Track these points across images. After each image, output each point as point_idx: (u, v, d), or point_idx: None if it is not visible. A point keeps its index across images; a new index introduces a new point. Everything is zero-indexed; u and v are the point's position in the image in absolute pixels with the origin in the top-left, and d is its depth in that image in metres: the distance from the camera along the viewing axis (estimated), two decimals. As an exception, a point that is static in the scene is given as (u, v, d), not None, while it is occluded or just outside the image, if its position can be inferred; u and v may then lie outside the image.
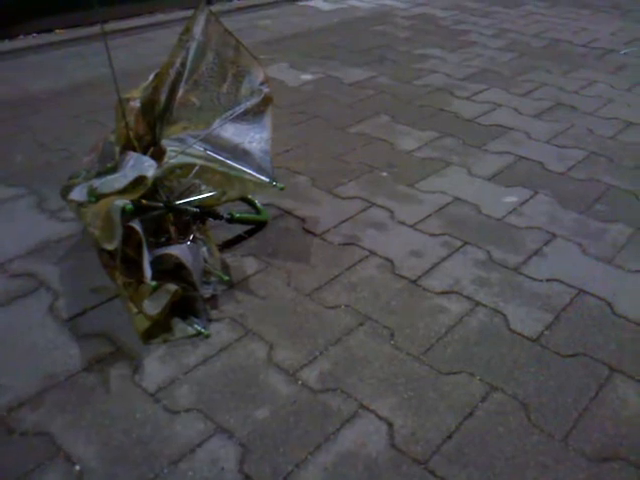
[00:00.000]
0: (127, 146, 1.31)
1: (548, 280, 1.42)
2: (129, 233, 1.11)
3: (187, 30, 1.32)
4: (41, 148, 2.00)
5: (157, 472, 0.95)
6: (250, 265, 1.42)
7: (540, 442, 1.02)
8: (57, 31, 3.18)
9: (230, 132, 1.30)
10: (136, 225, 1.10)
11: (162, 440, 1.00)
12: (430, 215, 1.66)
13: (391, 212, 1.67)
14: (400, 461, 0.98)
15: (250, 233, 1.53)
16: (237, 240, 1.50)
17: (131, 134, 1.31)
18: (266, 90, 1.31)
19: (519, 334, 1.26)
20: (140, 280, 1.11)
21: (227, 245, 1.48)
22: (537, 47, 3.23)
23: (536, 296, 1.37)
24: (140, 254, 1.09)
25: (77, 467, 0.95)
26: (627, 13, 4.06)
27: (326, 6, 3.92)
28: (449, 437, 1.02)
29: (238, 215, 1.47)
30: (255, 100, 1.31)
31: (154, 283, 1.09)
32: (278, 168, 1.85)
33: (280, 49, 3.03)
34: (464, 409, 1.08)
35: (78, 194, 1.26)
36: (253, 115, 1.32)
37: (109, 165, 1.27)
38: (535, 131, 2.21)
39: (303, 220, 1.61)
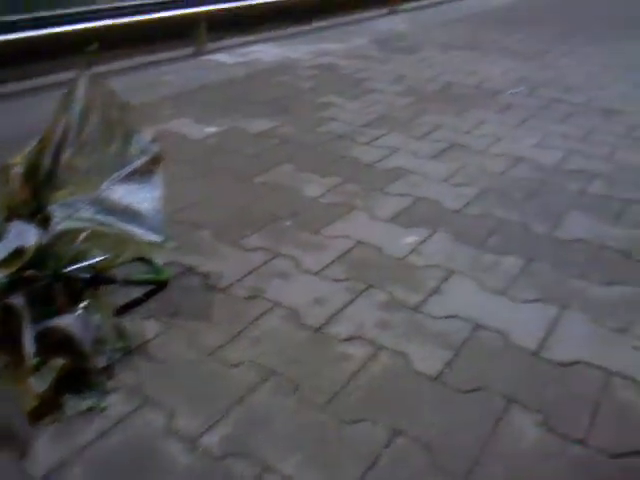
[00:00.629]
0: (12, 214, 1.27)
1: (447, 317, 1.46)
2: (8, 309, 1.05)
3: (70, 93, 1.30)
4: None
5: None
6: (150, 328, 1.39)
7: (443, 483, 1.04)
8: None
9: (120, 193, 1.29)
10: (15, 300, 1.05)
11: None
12: (334, 261, 1.69)
13: (296, 261, 1.68)
14: (305, 520, 0.96)
15: (150, 294, 1.50)
16: (135, 303, 1.46)
17: (15, 201, 1.26)
18: (155, 149, 1.30)
19: (421, 374, 1.28)
20: (22, 358, 1.05)
21: (126, 309, 1.44)
22: (432, 91, 3.40)
23: (436, 334, 1.40)
24: (18, 331, 1.04)
25: None
26: (516, 53, 4.36)
27: (230, 59, 3.99)
28: (353, 489, 1.01)
29: (134, 277, 1.43)
30: (144, 159, 1.30)
31: (35, 360, 1.04)
32: (181, 223, 1.84)
33: (183, 103, 3.04)
34: (368, 458, 1.08)
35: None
36: (142, 175, 1.32)
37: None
38: (432, 172, 2.31)
39: (206, 276, 1.59)
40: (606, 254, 1.78)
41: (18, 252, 1.11)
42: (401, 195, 2.11)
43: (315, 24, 5.21)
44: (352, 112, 2.99)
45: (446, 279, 1.62)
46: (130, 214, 1.29)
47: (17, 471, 1.03)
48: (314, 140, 2.60)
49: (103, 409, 1.15)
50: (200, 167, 2.29)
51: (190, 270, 1.62)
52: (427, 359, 1.32)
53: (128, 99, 1.71)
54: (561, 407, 1.21)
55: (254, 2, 4.56)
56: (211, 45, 4.26)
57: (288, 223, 1.90)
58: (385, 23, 5.51)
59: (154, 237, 1.29)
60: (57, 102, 1.36)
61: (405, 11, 6.11)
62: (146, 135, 1.35)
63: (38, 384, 1.08)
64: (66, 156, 1.29)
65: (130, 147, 1.32)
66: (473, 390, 1.24)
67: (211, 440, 1.10)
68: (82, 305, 1.25)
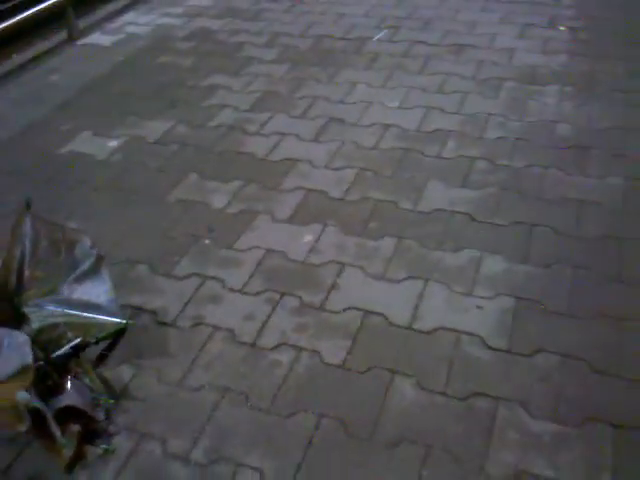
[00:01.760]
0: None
1: (344, 310, 1.96)
2: (36, 411, 1.45)
3: (18, 227, 1.62)
4: None
5: None
6: (125, 373, 1.81)
7: (358, 446, 1.58)
8: None
9: (78, 292, 1.66)
10: (40, 406, 1.45)
11: None
12: (252, 275, 2.12)
13: (222, 281, 2.11)
14: (272, 495, 1.49)
15: (115, 343, 1.89)
16: (103, 357, 1.85)
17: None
18: (95, 252, 1.67)
19: (330, 365, 1.79)
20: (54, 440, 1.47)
21: (100, 360, 1.84)
22: (304, 50, 3.69)
23: (338, 327, 1.90)
24: (45, 423, 1.45)
25: None
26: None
27: (105, 40, 4.06)
28: (299, 468, 1.54)
29: (101, 336, 1.82)
30: (89, 262, 1.67)
31: (64, 442, 1.46)
32: (119, 263, 2.19)
33: (76, 112, 3.21)
34: (305, 440, 1.60)
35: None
36: (92, 274, 1.68)
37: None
38: (316, 157, 2.71)
39: (155, 313, 2.00)
40: (457, 219, 2.30)
41: (25, 370, 1.48)
42: (293, 190, 2.52)
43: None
44: (237, 93, 3.28)
45: (339, 274, 2.10)
46: (92, 307, 1.67)
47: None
48: (208, 138, 2.91)
49: (113, 451, 1.60)
50: (115, 193, 2.59)
51: (140, 309, 2.02)
52: (334, 351, 1.83)
53: (21, 118, 2.00)
54: (427, 368, 1.76)
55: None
56: (82, 23, 4.27)
57: (207, 242, 2.29)
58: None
59: (115, 320, 1.68)
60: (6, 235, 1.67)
61: None
62: (86, 242, 1.70)
63: (66, 450, 1.50)
64: (27, 272, 1.63)
65: (75, 255, 1.67)
66: (368, 370, 1.77)
67: (197, 453, 1.59)
68: (70, 376, 1.66)
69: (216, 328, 1.94)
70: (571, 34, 3.66)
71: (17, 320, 1.65)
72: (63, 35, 4.14)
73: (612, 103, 2.93)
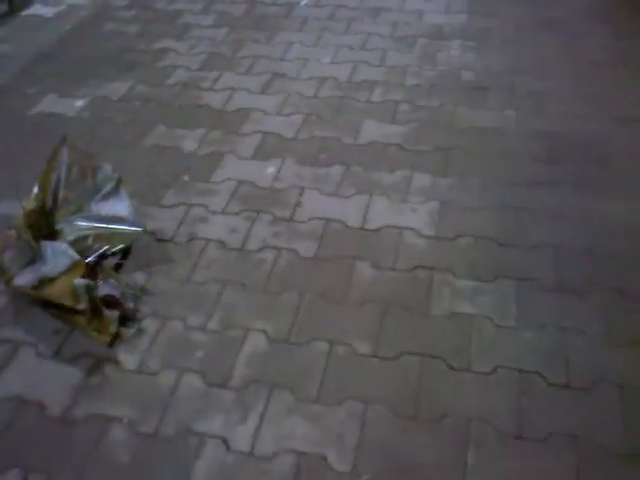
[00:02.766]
0: (35, 235, 2.01)
1: (309, 219, 2.47)
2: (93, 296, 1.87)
3: (55, 155, 2.00)
4: None
5: (165, 403, 1.84)
6: (139, 277, 2.23)
7: (332, 309, 2.10)
8: None
9: (104, 208, 2.07)
10: (93, 286, 1.87)
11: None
12: (229, 200, 2.58)
13: (205, 207, 2.55)
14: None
15: (125, 256, 2.31)
16: (119, 266, 2.27)
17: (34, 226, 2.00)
18: (115, 176, 2.08)
19: (306, 257, 2.30)
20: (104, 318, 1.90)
21: (117, 269, 2.26)
22: (239, 15, 4.10)
23: (307, 232, 2.41)
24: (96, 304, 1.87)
25: None
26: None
27: (48, 11, 4.27)
28: (292, 326, 2.05)
29: (116, 249, 2.23)
30: (111, 184, 2.08)
31: (113, 316, 1.90)
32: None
33: (38, 78, 3.48)
34: (295, 310, 2.11)
35: (23, 280, 1.95)
36: (114, 193, 2.09)
37: (32, 255, 1.97)
38: (266, 106, 3.17)
39: (153, 233, 2.42)
40: (390, 149, 2.85)
41: (76, 264, 1.89)
42: (252, 133, 2.98)
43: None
44: (184, 55, 3.66)
45: (301, 194, 2.60)
46: (115, 220, 2.08)
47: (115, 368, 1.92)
48: (168, 95, 3.30)
49: (144, 330, 2.04)
50: (92, 143, 2.93)
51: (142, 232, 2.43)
52: (306, 249, 2.33)
53: None
54: (379, 254, 2.30)
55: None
56: (19, -5, 4.44)
57: (186, 178, 2.72)
58: None
59: (135, 229, 2.11)
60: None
61: None
62: (107, 168, 2.09)
63: (112, 326, 1.94)
64: (61, 194, 2.02)
65: (98, 178, 2.07)
66: (334, 258, 2.29)
67: (213, 324, 2.06)
68: (101, 276, 2.08)
69: (208, 240, 2.39)
70: (468, -3, 4.27)
71: (53, 235, 2.05)
72: (3, 7, 4.31)
73: (504, 52, 3.56)
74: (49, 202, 2.02)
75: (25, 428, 1.80)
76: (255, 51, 3.68)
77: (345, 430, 1.76)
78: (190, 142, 2.94)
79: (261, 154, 2.84)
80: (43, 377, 1.93)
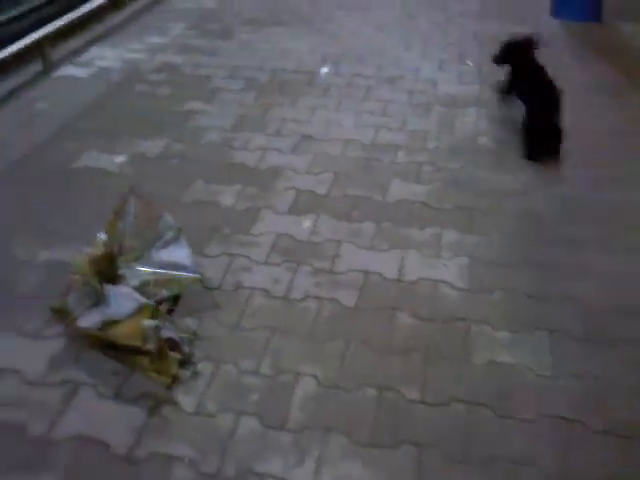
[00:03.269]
0: (100, 279, 2.12)
1: (348, 271, 2.60)
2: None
3: (123, 205, 2.14)
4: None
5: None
6: (191, 322, 2.34)
7: (377, 354, 2.21)
8: None
9: (164, 255, 2.19)
10: (161, 328, 1.97)
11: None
12: (270, 252, 2.71)
13: (248, 257, 2.68)
14: (326, 389, 2.09)
15: (176, 301, 2.41)
16: (171, 311, 2.37)
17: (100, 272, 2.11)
18: (176, 225, 2.22)
19: (348, 307, 2.42)
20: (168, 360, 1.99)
21: (169, 313, 2.35)
22: (265, 82, 4.35)
23: (346, 283, 2.54)
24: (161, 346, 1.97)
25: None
26: (310, 24, 5.39)
27: (80, 73, 4.50)
28: (340, 368, 2.15)
29: (171, 295, 2.34)
30: (171, 233, 2.21)
31: (175, 359, 1.99)
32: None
33: (76, 135, 3.66)
34: (339, 361, 2.21)
35: (88, 322, 2.04)
36: (174, 241, 2.22)
37: (97, 299, 2.07)
38: (297, 165, 3.36)
39: (201, 281, 2.53)
40: (416, 206, 3.03)
41: (141, 307, 1.99)
42: (286, 190, 3.15)
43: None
44: (215, 117, 3.87)
45: (338, 248, 2.74)
46: (175, 266, 2.20)
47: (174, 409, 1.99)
48: (203, 153, 3.48)
49: (199, 373, 2.13)
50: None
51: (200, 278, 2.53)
52: (348, 299, 2.46)
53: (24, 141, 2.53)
54: (417, 303, 2.43)
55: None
56: (54, 55, 4.68)
57: (226, 231, 2.86)
58: None
59: (193, 275, 2.23)
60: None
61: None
62: (168, 217, 2.23)
63: (173, 367, 2.03)
64: (126, 242, 2.15)
65: (160, 227, 2.21)
66: (375, 309, 2.41)
67: (264, 369, 2.15)
68: (161, 320, 2.17)
69: (253, 289, 2.51)
70: (477, 68, 4.57)
71: (115, 279, 2.16)
72: (37, 67, 4.54)
73: (515, 120, 3.81)
74: (115, 249, 2.14)
75: (91, 466, 1.86)
76: (282, 114, 3.90)
77: (401, 473, 1.84)
78: (227, 197, 3.10)
79: (296, 209, 3.00)
80: (105, 417, 2.00)
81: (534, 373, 2.15)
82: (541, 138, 3.36)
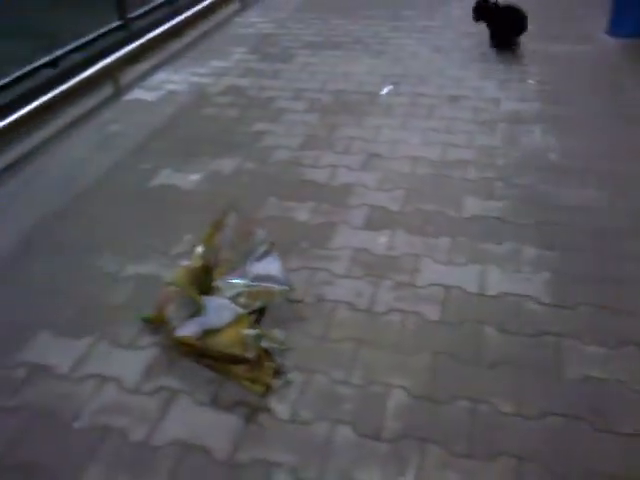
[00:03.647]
0: (200, 291, 2.19)
1: (429, 285, 2.62)
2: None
3: (222, 219, 2.22)
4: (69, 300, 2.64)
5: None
6: (278, 333, 2.38)
7: (466, 367, 2.21)
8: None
9: (259, 268, 2.25)
10: (262, 336, 2.01)
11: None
12: (350, 266, 2.75)
13: (328, 270, 2.72)
14: (419, 401, 2.09)
15: (262, 313, 2.45)
16: (258, 320, 2.42)
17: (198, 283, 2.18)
18: (269, 239, 2.28)
19: (432, 321, 2.42)
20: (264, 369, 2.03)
21: (257, 323, 2.40)
22: (328, 102, 4.44)
23: (428, 297, 2.55)
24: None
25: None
26: (368, 47, 5.49)
27: (149, 96, 4.67)
28: (432, 380, 2.15)
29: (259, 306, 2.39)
30: (264, 247, 2.27)
31: (273, 367, 2.03)
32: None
33: (151, 155, 3.78)
34: (430, 372, 2.21)
35: (186, 331, 2.10)
36: (266, 255, 2.28)
37: (194, 309, 2.13)
38: (367, 182, 3.40)
39: (292, 291, 2.57)
40: (491, 222, 3.03)
41: (239, 317, 2.05)
42: (359, 206, 3.19)
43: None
44: (283, 137, 3.96)
45: (416, 262, 2.76)
46: (267, 278, 2.26)
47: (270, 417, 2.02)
48: (274, 171, 3.56)
49: (291, 382, 2.16)
50: (213, 213, 3.16)
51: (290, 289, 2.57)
52: (431, 312, 2.47)
53: (102, 160, 2.62)
54: (503, 319, 2.42)
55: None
56: (123, 79, 4.88)
57: (304, 245, 2.91)
58: (245, 24, 6.31)
59: (285, 287, 2.28)
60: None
61: (251, 3, 6.93)
62: (262, 233, 2.30)
63: (267, 377, 2.06)
64: (222, 254, 2.22)
65: (254, 241, 2.27)
66: (459, 322, 2.41)
67: (355, 379, 2.17)
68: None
69: (336, 302, 2.54)
70: (539, 86, 4.57)
71: (210, 291, 2.22)
72: (108, 91, 4.73)
73: (581, 136, 3.80)
74: (211, 261, 2.21)
75: (193, 470, 1.89)
76: (348, 133, 3.97)
77: (502, 484, 1.82)
78: (302, 213, 3.15)
79: (371, 225, 3.04)
80: (203, 423, 2.04)
81: (629, 388, 2.11)
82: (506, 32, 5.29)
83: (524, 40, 5.41)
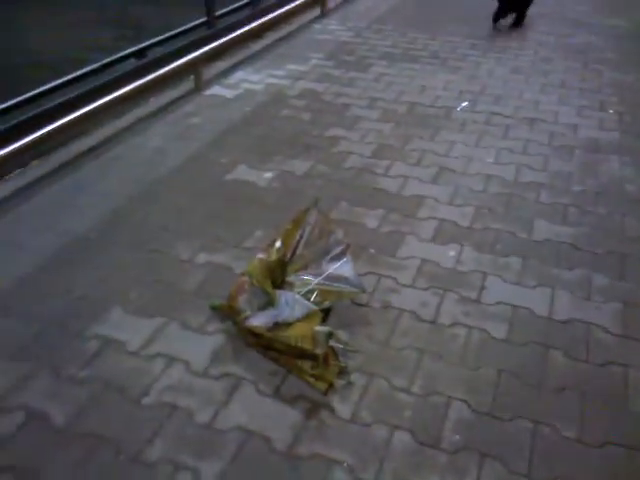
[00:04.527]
0: (273, 284, 2.25)
1: (496, 303, 2.60)
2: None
3: (303, 216, 2.27)
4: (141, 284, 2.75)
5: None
6: (342, 335, 2.41)
7: (528, 391, 2.19)
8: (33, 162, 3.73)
9: (331, 268, 2.29)
10: (333, 334, 2.05)
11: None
12: (416, 276, 2.77)
13: (394, 279, 2.74)
14: (480, 416, 2.09)
15: (328, 313, 2.50)
16: (324, 321, 2.46)
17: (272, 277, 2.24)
18: (345, 241, 2.32)
19: (497, 339, 2.41)
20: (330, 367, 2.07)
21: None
22: (402, 113, 4.46)
23: (495, 315, 2.54)
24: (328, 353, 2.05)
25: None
26: (445, 62, 5.49)
27: (228, 93, 4.80)
28: (494, 400, 2.14)
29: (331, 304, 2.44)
30: (340, 247, 2.31)
31: (343, 364, 2.07)
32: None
33: (227, 150, 3.88)
34: (493, 392, 2.21)
35: (258, 321, 2.16)
36: (341, 256, 2.32)
37: (268, 301, 2.19)
38: (439, 196, 3.41)
39: (363, 293, 2.59)
40: (563, 247, 2.99)
41: (312, 314, 2.09)
42: (428, 219, 3.20)
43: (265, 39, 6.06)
44: (356, 143, 4.00)
45: (484, 279, 2.75)
46: (339, 279, 2.30)
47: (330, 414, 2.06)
48: (346, 176, 3.60)
49: (353, 383, 2.19)
50: (286, 212, 3.22)
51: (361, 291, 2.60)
52: (497, 330, 2.45)
53: (179, 152, 2.70)
54: (571, 345, 2.39)
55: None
56: (205, 75, 5.03)
57: (372, 251, 2.94)
58: (323, 30, 6.40)
59: (356, 290, 2.32)
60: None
61: (332, 10, 7.03)
62: (339, 233, 2.35)
63: (332, 375, 2.10)
64: (299, 251, 2.27)
65: (330, 241, 2.32)
66: (525, 343, 2.39)
67: (415, 388, 2.18)
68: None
69: (401, 310, 2.56)
70: (618, 116, 4.48)
71: (283, 285, 2.27)
72: (189, 85, 4.89)
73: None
74: (287, 256, 2.27)
75: (254, 457, 1.95)
76: (421, 146, 3.98)
77: (560, 508, 1.80)
78: (371, 220, 3.19)
79: (440, 238, 3.04)
80: (265, 413, 2.09)
81: (698, 429, 2.05)
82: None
83: (603, 68, 5.32)
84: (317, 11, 6.95)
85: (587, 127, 4.28)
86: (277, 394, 2.16)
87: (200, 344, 2.38)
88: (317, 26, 6.60)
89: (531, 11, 6.53)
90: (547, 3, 7.32)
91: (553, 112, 4.51)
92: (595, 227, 3.14)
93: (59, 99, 3.86)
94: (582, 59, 5.60)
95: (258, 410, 2.11)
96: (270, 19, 6.05)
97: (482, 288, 2.70)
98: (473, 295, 2.65)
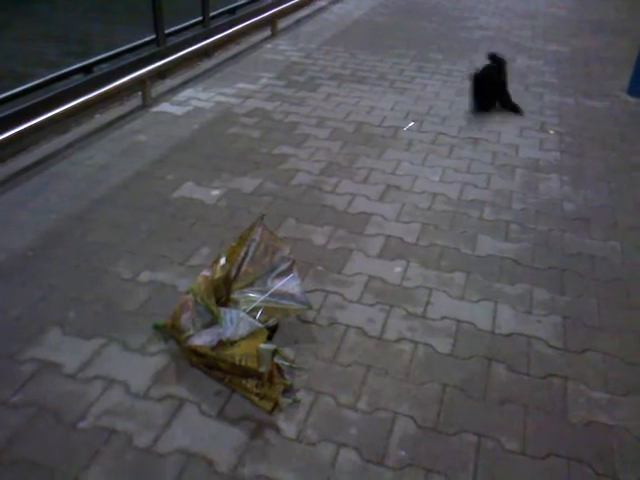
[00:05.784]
0: (218, 302, 2.20)
1: (442, 318, 2.63)
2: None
3: (249, 232, 2.25)
4: (77, 303, 2.66)
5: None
6: (289, 352, 2.39)
7: (473, 405, 2.21)
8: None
9: (277, 285, 2.27)
10: (276, 352, 2.02)
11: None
12: (363, 292, 2.77)
13: (341, 295, 2.74)
14: (425, 431, 2.09)
15: (274, 331, 2.47)
16: (270, 339, 2.43)
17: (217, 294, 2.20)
18: (291, 257, 2.30)
19: (441, 353, 2.43)
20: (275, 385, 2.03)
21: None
22: (350, 133, 4.51)
23: (440, 330, 2.56)
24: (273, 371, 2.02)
25: None
26: (392, 84, 5.59)
27: (176, 110, 4.76)
28: (439, 416, 2.15)
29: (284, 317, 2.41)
30: (286, 264, 2.29)
31: (288, 382, 2.03)
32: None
33: (174, 167, 3.84)
34: (438, 405, 2.22)
35: (202, 341, 2.12)
36: (287, 273, 2.30)
37: (212, 319, 2.15)
38: (385, 213, 3.44)
39: (297, 315, 2.59)
40: (506, 262, 3.05)
41: (257, 332, 2.06)
42: (376, 235, 3.23)
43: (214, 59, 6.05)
44: (305, 161, 4.02)
45: (430, 294, 2.78)
46: (285, 296, 2.28)
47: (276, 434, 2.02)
48: (294, 194, 3.61)
49: (299, 401, 2.16)
50: (232, 231, 3.20)
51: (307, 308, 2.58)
52: (442, 345, 2.48)
53: (126, 168, 2.64)
54: (513, 358, 2.42)
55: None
56: (153, 92, 4.97)
57: (320, 268, 2.93)
58: (274, 50, 6.44)
59: (303, 307, 2.30)
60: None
61: (282, 32, 7.09)
62: (285, 250, 2.33)
63: (277, 394, 2.07)
64: (244, 268, 2.24)
65: (276, 258, 2.30)
66: (470, 357, 2.42)
67: (362, 405, 2.17)
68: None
69: (347, 326, 2.55)
70: (558, 136, 4.64)
71: (227, 303, 2.24)
72: (137, 102, 4.82)
73: (598, 188, 3.84)
74: (232, 273, 2.24)
75: (196, 480, 1.89)
76: (369, 164, 4.03)
77: (504, 521, 1.81)
78: (319, 237, 3.19)
79: (387, 254, 3.06)
80: (208, 434, 2.04)
81: (634, 436, 2.11)
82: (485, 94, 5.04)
83: (543, 91, 5.52)
84: (268, 32, 7.00)
85: (528, 147, 4.41)
86: (221, 414, 2.11)
87: (141, 365, 2.32)
88: (268, 46, 6.64)
89: (475, 35, 6.74)
90: (491, 28, 7.59)
91: (496, 132, 4.63)
92: (536, 243, 3.22)
93: (0, 114, 3.74)
94: (523, 82, 5.79)
95: (201, 432, 2.05)
96: (220, 38, 6.06)
97: (427, 303, 2.72)
98: (419, 310, 2.67)
